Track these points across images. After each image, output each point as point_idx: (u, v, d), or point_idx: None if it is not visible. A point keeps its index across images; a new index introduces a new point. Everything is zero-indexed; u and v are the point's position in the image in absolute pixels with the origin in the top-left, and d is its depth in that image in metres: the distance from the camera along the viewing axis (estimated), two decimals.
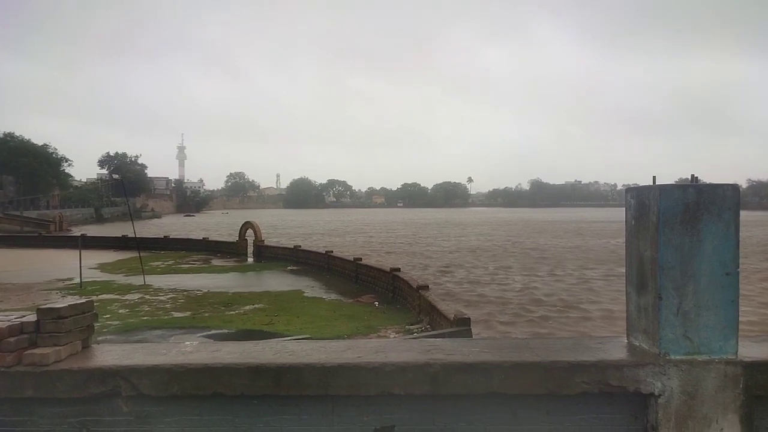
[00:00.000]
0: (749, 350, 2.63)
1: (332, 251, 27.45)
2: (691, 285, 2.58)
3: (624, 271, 2.96)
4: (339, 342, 2.99)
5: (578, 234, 60.94)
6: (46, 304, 2.89)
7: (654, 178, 2.87)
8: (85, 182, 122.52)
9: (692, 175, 2.72)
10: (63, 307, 2.83)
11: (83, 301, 2.99)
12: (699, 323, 2.57)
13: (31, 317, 2.87)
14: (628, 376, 2.54)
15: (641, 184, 2.94)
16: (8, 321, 2.79)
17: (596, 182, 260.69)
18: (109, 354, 2.86)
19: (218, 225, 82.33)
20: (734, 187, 2.63)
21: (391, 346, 2.89)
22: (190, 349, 2.92)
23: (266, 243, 34.41)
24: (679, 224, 2.57)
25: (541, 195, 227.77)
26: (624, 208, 3.01)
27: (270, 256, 31.67)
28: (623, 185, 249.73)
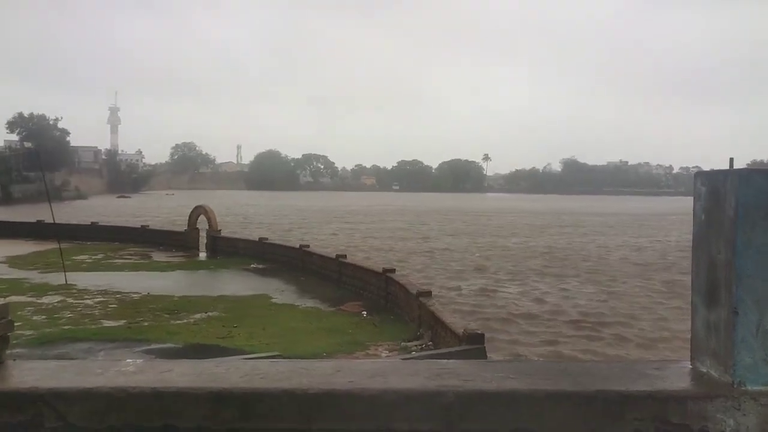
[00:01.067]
0: None
1: (308, 246, 27.50)
2: None
3: (689, 278, 2.98)
4: (324, 362, 3.00)
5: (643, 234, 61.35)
6: None
7: (731, 160, 2.87)
8: None
9: None
10: None
11: None
12: None
13: None
14: (692, 411, 2.56)
15: (712, 168, 2.95)
16: None
17: (647, 164, 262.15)
18: (28, 373, 2.84)
19: (162, 209, 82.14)
20: None
21: (391, 369, 2.90)
22: (133, 369, 2.92)
23: (223, 234, 34.41)
24: (763, 220, 2.57)
25: (576, 179, 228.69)
26: (684, 197, 3.02)
27: (228, 251, 31.70)
28: (681, 168, 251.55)
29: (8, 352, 3.06)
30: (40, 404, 2.62)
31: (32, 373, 2.83)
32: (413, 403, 2.56)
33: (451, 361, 3.06)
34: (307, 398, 2.58)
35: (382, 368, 2.89)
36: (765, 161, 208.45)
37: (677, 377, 2.75)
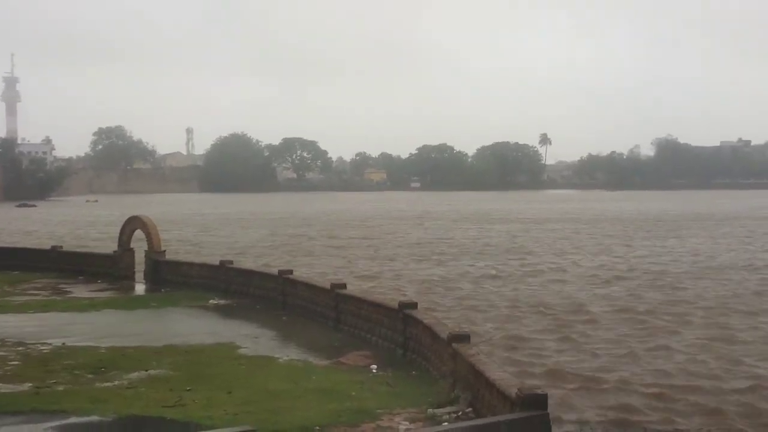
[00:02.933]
0: None
1: (292, 272, 27.57)
2: None
3: None
4: None
5: None
6: None
7: None
8: None
9: None
10: None
11: None
12: None
13: None
14: None
15: None
16: None
17: None
18: None
19: (80, 222, 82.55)
20: None
21: None
22: None
23: (169, 257, 34.55)
24: None
25: (676, 167, 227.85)
26: None
27: (177, 281, 31.83)
28: None
29: None
30: None
31: None
32: None
33: None
34: None
35: None
36: None
37: None
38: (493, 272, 40.59)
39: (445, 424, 13.82)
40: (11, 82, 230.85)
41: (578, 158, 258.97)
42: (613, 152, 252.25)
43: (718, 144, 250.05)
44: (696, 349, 22.24)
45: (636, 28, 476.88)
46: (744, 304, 30.09)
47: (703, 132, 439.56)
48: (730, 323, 26.19)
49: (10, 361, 18.98)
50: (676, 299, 31.33)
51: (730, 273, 40.01)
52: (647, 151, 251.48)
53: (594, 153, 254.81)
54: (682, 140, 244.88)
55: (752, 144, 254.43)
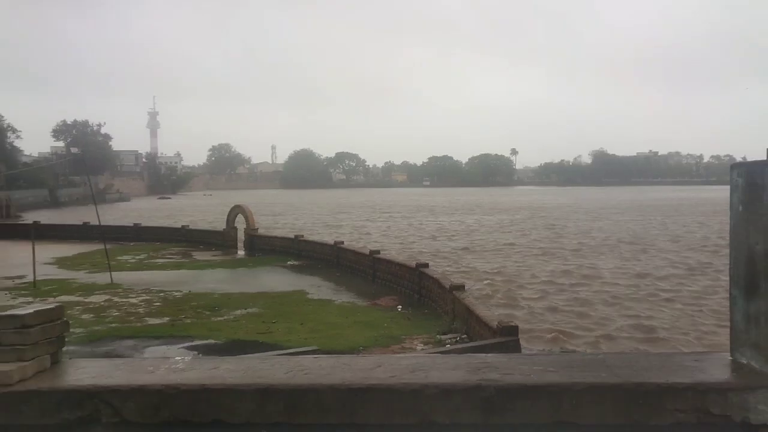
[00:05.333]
0: None
1: (343, 242, 27.61)
2: None
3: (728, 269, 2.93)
4: (366, 358, 3.02)
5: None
6: (6, 311, 2.96)
7: None
8: (37, 157, 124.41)
9: None
10: (28, 313, 2.89)
11: (52, 306, 3.05)
12: None
13: None
14: (734, 402, 2.52)
15: (743, 157, 2.88)
16: None
17: (677, 153, 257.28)
18: (84, 372, 2.92)
19: (200, 209, 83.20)
20: None
21: (431, 364, 2.91)
22: (183, 366, 2.97)
23: (260, 232, 34.74)
24: None
25: (606, 170, 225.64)
26: (716, 186, 2.97)
27: (265, 249, 31.99)
28: (712, 157, 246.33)
29: (63, 350, 3.15)
30: (97, 401, 2.69)
31: (88, 371, 2.90)
32: (454, 397, 2.57)
33: (490, 354, 3.05)
34: (349, 393, 2.60)
35: (423, 363, 2.90)
36: None
37: (717, 369, 2.71)
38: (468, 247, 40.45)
39: (448, 345, 13.82)
40: (153, 114, 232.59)
41: (538, 164, 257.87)
42: (563, 160, 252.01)
43: (635, 154, 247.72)
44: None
45: (587, 75, 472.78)
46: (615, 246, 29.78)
47: (624, 145, 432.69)
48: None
49: (154, 303, 19.20)
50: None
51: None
52: (586, 159, 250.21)
53: (549, 161, 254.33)
54: (609, 151, 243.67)
55: (659, 154, 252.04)
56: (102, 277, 23.47)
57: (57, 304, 3.13)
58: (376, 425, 2.61)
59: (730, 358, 2.82)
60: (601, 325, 18.04)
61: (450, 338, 14.64)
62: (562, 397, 2.56)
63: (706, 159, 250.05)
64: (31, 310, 2.95)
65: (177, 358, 3.16)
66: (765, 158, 2.71)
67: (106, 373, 2.88)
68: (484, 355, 3.08)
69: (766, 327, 2.62)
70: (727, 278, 2.92)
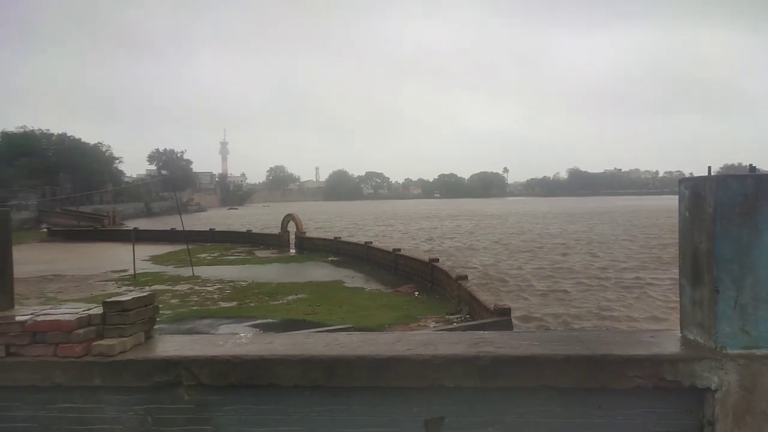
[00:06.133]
0: None
1: (372, 242, 27.58)
2: (749, 277, 2.48)
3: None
4: (388, 334, 3.00)
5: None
6: (111, 298, 3.01)
7: (709, 168, 2.76)
8: (135, 178, 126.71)
9: (750, 165, 2.60)
10: (127, 300, 2.95)
11: (146, 294, 3.10)
12: (758, 316, 2.47)
13: (98, 310, 3.00)
14: (683, 370, 2.46)
15: (691, 171, 2.83)
16: (77, 314, 2.92)
17: (636, 170, 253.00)
18: (170, 345, 2.96)
19: (260, 217, 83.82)
20: None
21: (440, 339, 2.89)
22: (245, 341, 2.99)
23: (307, 235, 34.85)
24: (737, 216, 2.47)
25: (579, 184, 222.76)
26: (668, 196, 2.91)
27: (311, 248, 32.04)
28: (665, 172, 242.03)
29: (155, 328, 3.19)
30: (180, 368, 2.72)
31: (173, 345, 2.94)
32: (457, 365, 2.55)
33: (486, 332, 3.02)
34: (375, 362, 2.60)
35: (433, 338, 2.88)
36: (735, 165, 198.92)
37: (670, 343, 2.66)
38: (465, 246, 40.10)
39: (455, 323, 13.72)
40: (224, 144, 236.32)
41: (525, 179, 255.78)
42: (545, 176, 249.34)
43: (603, 170, 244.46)
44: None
45: (579, 105, 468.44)
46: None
47: (594, 162, 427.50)
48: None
49: (225, 290, 19.33)
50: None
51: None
52: (564, 174, 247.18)
53: (534, 177, 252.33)
54: (582, 168, 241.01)
55: (622, 170, 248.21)
56: (185, 271, 23.72)
57: (150, 292, 3.18)
58: (396, 388, 2.61)
59: (680, 334, 2.76)
60: (575, 307, 17.76)
61: (456, 318, 14.53)
62: (544, 365, 2.53)
63: (660, 174, 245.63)
64: (130, 297, 3.00)
65: (241, 334, 3.18)
66: (706, 174, 2.66)
67: (187, 347, 2.91)
68: (482, 332, 3.05)
69: (708, 309, 2.56)
70: (676, 270, 2.86)
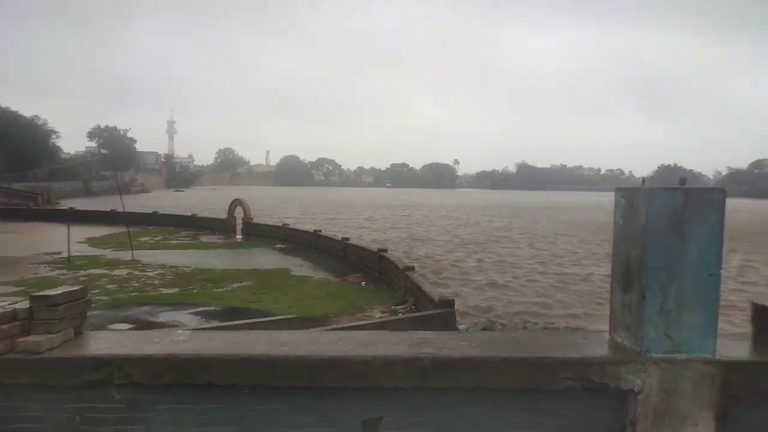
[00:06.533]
0: (727, 349, 2.69)
1: (320, 230, 27.40)
2: (675, 285, 2.62)
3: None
4: (330, 334, 3.00)
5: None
6: (42, 290, 2.86)
7: (643, 179, 2.88)
8: (74, 155, 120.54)
9: (681, 178, 2.74)
10: (56, 294, 2.81)
11: (76, 288, 2.96)
12: (680, 322, 2.62)
13: (24, 304, 2.84)
14: (609, 373, 2.59)
15: (630, 170, 2.95)
16: (1, 308, 2.76)
17: (581, 166, 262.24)
18: (102, 342, 2.85)
19: (207, 201, 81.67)
20: (721, 192, 2.66)
21: (381, 339, 2.91)
22: (183, 338, 2.92)
23: (255, 221, 34.22)
24: (666, 226, 2.60)
25: (527, 178, 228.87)
26: (609, 193, 3.05)
27: (258, 234, 31.49)
28: (607, 170, 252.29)
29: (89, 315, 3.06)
30: (111, 366, 2.63)
31: (105, 342, 2.83)
32: (397, 367, 2.58)
33: (428, 332, 3.07)
34: (315, 362, 2.59)
35: (374, 338, 2.90)
36: (671, 165, 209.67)
37: (599, 346, 2.78)
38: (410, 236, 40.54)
39: (400, 314, 13.85)
40: (171, 123, 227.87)
41: (475, 172, 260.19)
42: (494, 169, 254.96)
43: (549, 166, 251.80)
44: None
45: (529, 102, 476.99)
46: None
47: (541, 158, 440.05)
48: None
49: (167, 276, 18.76)
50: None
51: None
52: (512, 168, 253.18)
53: (483, 169, 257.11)
54: (530, 163, 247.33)
55: (567, 166, 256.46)
56: (125, 255, 22.83)
57: (80, 286, 3.04)
58: (335, 388, 2.61)
59: (609, 337, 2.89)
60: (517, 301, 18.30)
61: (402, 308, 14.67)
62: (480, 367, 2.59)
63: (603, 171, 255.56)
64: (59, 291, 2.86)
65: (179, 331, 3.09)
66: (641, 185, 2.78)
67: (120, 344, 2.82)
68: (423, 332, 3.09)
69: (636, 314, 2.69)
70: (610, 266, 2.98)
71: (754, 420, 2.64)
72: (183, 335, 2.99)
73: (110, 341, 2.87)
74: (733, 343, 2.85)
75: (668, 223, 2.61)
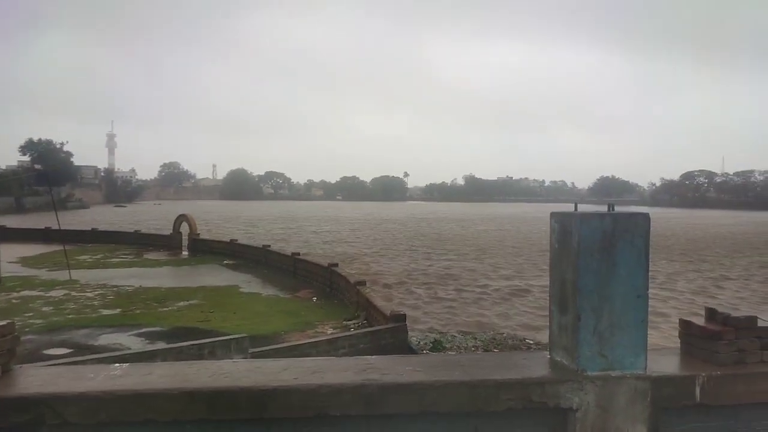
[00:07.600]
0: (656, 365, 2.84)
1: (269, 246, 27.05)
2: (606, 306, 2.74)
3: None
4: (276, 362, 2.95)
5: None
6: None
7: (576, 204, 3.01)
8: (5, 169, 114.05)
9: (609, 204, 2.88)
10: None
11: (4, 323, 2.80)
12: (613, 341, 2.74)
13: None
14: (549, 392, 2.67)
15: (572, 181, 3.08)
16: None
17: (526, 178, 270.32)
18: (32, 380, 2.70)
19: (151, 216, 78.91)
20: (645, 216, 2.82)
21: (329, 366, 2.90)
22: (120, 373, 2.80)
23: (202, 236, 33.43)
24: (597, 251, 2.72)
25: (475, 190, 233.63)
26: (552, 204, 3.17)
27: (206, 250, 30.80)
28: (551, 182, 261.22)
29: (20, 338, 2.89)
30: (42, 406, 2.49)
31: (36, 380, 2.68)
32: (344, 394, 2.57)
33: (374, 357, 3.07)
34: (260, 393, 2.55)
35: (321, 365, 2.88)
36: (609, 176, 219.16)
37: (539, 366, 2.87)
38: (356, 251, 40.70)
39: (352, 329, 13.83)
40: (111, 136, 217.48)
41: (425, 184, 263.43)
42: (443, 182, 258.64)
43: (495, 178, 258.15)
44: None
45: (475, 116, 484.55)
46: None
47: (488, 170, 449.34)
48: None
49: (108, 296, 18.05)
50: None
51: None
52: (460, 181, 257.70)
53: (432, 182, 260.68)
54: (477, 176, 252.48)
55: (513, 178, 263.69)
56: (61, 275, 21.80)
57: (8, 321, 2.87)
58: (281, 419, 2.58)
59: (549, 356, 2.99)
60: (463, 313, 18.60)
61: (354, 323, 14.65)
62: (425, 392, 2.63)
63: (546, 183, 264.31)
64: None
65: (116, 365, 2.96)
66: (573, 210, 2.90)
67: (52, 381, 2.67)
68: (369, 357, 3.09)
69: (573, 334, 2.80)
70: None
71: (682, 431, 2.79)
72: (119, 369, 2.88)
73: (41, 379, 2.72)
74: (663, 358, 3.01)
75: (598, 248, 2.74)
